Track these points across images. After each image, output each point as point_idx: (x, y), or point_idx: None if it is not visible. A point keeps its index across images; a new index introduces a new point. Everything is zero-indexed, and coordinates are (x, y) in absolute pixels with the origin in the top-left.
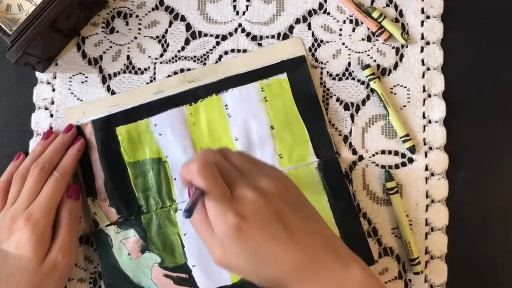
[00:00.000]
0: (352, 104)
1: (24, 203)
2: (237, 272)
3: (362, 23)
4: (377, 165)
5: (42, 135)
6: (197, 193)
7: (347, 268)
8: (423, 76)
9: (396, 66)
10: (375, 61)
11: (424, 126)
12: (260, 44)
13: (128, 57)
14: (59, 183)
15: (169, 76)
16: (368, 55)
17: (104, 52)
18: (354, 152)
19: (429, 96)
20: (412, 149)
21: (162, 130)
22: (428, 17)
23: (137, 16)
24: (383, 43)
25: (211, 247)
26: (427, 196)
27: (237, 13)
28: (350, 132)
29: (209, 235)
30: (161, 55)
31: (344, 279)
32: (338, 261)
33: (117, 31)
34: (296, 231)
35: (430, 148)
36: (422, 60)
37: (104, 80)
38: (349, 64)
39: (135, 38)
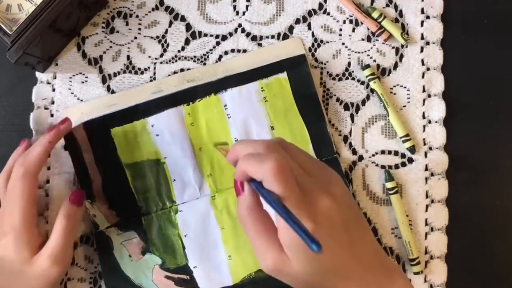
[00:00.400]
0: (352, 104)
1: (7, 205)
2: (287, 278)
3: (362, 23)
4: (377, 165)
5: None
6: (280, 203)
7: (393, 280)
8: (423, 76)
9: (396, 66)
10: (375, 61)
11: (424, 126)
12: (260, 44)
13: (128, 57)
14: (25, 178)
15: (168, 76)
16: (368, 55)
17: (104, 52)
18: (354, 152)
19: (429, 96)
20: (412, 149)
21: (160, 131)
22: (428, 17)
23: (137, 16)
24: (383, 43)
25: (266, 252)
26: (427, 196)
27: (237, 13)
28: (350, 132)
29: (266, 239)
30: (161, 55)
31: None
32: (386, 273)
33: (117, 31)
34: (356, 240)
35: (430, 148)
36: (422, 60)
37: (104, 80)
38: (349, 64)
39: (135, 38)
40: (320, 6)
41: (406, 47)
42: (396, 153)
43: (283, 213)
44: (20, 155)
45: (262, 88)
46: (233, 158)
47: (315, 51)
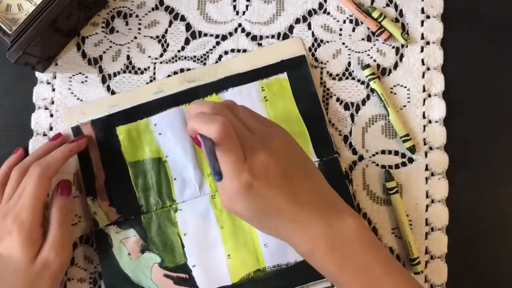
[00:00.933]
0: (352, 104)
1: (17, 202)
2: (243, 219)
3: (362, 23)
4: (377, 165)
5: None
6: (211, 149)
7: (342, 218)
8: (423, 76)
9: (396, 66)
10: (375, 61)
11: (424, 126)
12: (260, 44)
13: (128, 57)
14: (42, 179)
15: (169, 76)
16: (368, 55)
17: (104, 52)
18: (354, 152)
19: (429, 96)
20: (412, 149)
21: (162, 129)
22: (428, 17)
23: (137, 16)
24: (383, 43)
25: (222, 196)
26: (427, 196)
27: (237, 13)
28: (350, 132)
29: (221, 186)
30: (161, 55)
31: (338, 228)
32: (334, 213)
33: (117, 31)
34: (298, 188)
35: (430, 148)
36: (422, 60)
37: (104, 80)
38: (349, 64)
39: (135, 38)
40: (320, 5)
41: (406, 47)
42: (396, 153)
43: (210, 157)
44: (13, 163)
45: (262, 87)
46: (188, 116)
47: (315, 51)
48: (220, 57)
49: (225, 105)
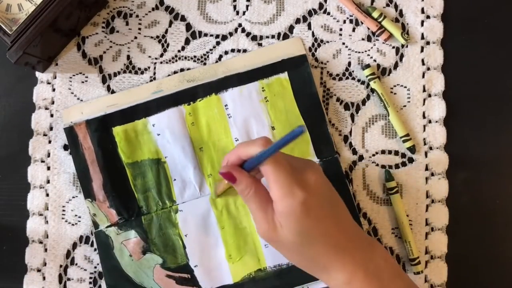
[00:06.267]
0: (352, 104)
1: None
2: (282, 247)
3: (362, 23)
4: (377, 165)
5: None
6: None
7: (373, 247)
8: (423, 76)
9: (396, 66)
10: (375, 61)
11: (424, 126)
12: (260, 44)
13: (128, 57)
14: None
15: (168, 75)
16: (368, 55)
17: (104, 52)
18: (354, 152)
19: (429, 96)
20: (412, 149)
21: (161, 130)
22: (428, 17)
23: (137, 16)
24: (383, 43)
25: (263, 223)
26: (427, 196)
27: (237, 13)
28: (350, 132)
29: (263, 210)
30: (161, 55)
31: (371, 256)
32: (367, 244)
33: (117, 31)
34: (341, 215)
35: (430, 148)
36: (422, 60)
37: (104, 80)
38: (349, 64)
39: (135, 38)
40: (320, 6)
41: (407, 47)
42: (396, 153)
43: (273, 149)
44: None
45: (263, 88)
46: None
47: (315, 51)
48: (220, 57)
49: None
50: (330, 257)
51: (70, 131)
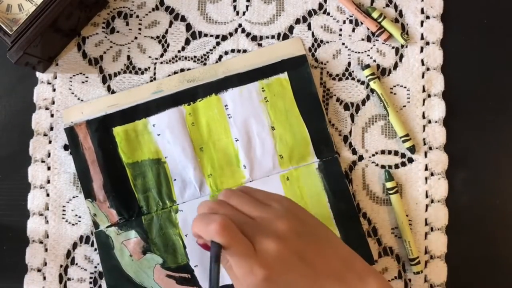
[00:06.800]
0: (352, 104)
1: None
2: None
3: (362, 23)
4: (377, 165)
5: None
6: (217, 250)
7: (364, 282)
8: (423, 76)
9: (396, 66)
10: (375, 61)
11: (424, 126)
12: (260, 45)
13: (128, 57)
14: None
15: (169, 75)
16: (368, 55)
17: (105, 52)
18: (354, 152)
19: (429, 96)
20: (412, 149)
21: (161, 130)
22: (428, 17)
23: (137, 16)
24: (383, 43)
25: None
26: (427, 196)
27: (237, 13)
28: (350, 132)
29: (239, 284)
30: (162, 55)
31: None
32: (356, 277)
33: (118, 31)
34: (317, 263)
35: (430, 148)
36: (422, 60)
37: (104, 80)
38: (349, 64)
39: (136, 38)
40: (320, 6)
41: (406, 47)
42: (396, 153)
43: (211, 265)
44: None
45: (262, 88)
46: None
47: (315, 51)
48: (220, 57)
49: (220, 201)
50: None
51: (70, 131)
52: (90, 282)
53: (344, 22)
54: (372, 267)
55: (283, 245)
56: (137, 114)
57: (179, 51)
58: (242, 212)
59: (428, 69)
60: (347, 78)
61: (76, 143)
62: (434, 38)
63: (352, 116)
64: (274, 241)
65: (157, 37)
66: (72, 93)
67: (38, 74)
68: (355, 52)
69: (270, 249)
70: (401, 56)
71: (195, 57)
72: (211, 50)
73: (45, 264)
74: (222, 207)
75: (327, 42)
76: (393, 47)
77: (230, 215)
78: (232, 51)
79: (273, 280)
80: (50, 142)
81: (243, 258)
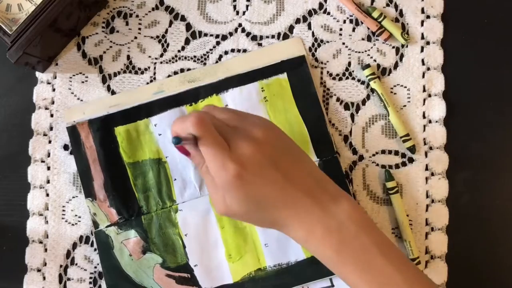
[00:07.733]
0: (352, 104)
1: None
2: (238, 217)
3: (362, 23)
4: (377, 165)
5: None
6: (190, 137)
7: (336, 202)
8: (423, 76)
9: (396, 66)
10: (375, 61)
11: (424, 126)
12: (260, 44)
13: (128, 57)
14: None
15: (169, 76)
16: (368, 55)
17: (104, 52)
18: (354, 152)
19: (429, 96)
20: (412, 149)
21: (162, 130)
22: (428, 17)
23: (137, 16)
24: (383, 43)
25: (214, 198)
26: (427, 196)
27: (237, 13)
28: (350, 132)
29: (213, 187)
30: (161, 55)
31: (333, 212)
32: (328, 197)
33: (117, 31)
34: (289, 174)
35: (430, 148)
36: (422, 60)
37: (104, 80)
38: (349, 64)
39: (135, 38)
40: (320, 5)
41: (407, 47)
42: (396, 152)
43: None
44: None
45: (262, 88)
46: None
47: (315, 51)
48: (220, 57)
49: (204, 109)
50: (284, 219)
51: (72, 130)
52: (90, 282)
53: (344, 21)
54: (344, 191)
55: (257, 148)
56: (138, 114)
57: (179, 51)
58: (222, 121)
59: (428, 68)
60: (347, 78)
61: (78, 142)
62: (434, 38)
63: (352, 116)
64: (249, 143)
65: (157, 36)
66: (72, 93)
67: (37, 74)
68: (355, 52)
69: (244, 149)
70: (402, 56)
71: (195, 56)
72: (211, 49)
73: (45, 264)
74: (203, 113)
75: (327, 41)
76: (393, 47)
77: (209, 116)
78: (232, 50)
79: (245, 179)
80: (49, 142)
81: (216, 150)
